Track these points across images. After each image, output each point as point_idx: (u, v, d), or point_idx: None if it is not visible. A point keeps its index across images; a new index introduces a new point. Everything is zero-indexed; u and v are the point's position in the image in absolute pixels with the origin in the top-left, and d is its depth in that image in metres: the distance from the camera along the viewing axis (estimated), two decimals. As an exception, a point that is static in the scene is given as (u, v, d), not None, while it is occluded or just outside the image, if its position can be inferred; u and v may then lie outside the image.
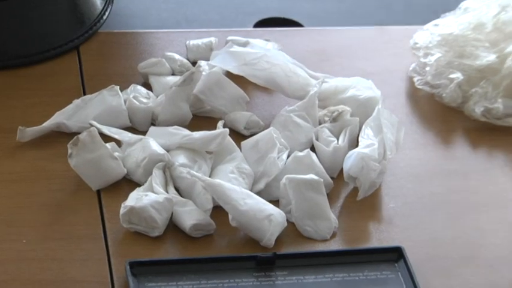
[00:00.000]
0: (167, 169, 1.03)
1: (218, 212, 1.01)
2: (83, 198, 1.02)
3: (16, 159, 1.06)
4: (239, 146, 1.05)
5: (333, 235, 1.01)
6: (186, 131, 1.06)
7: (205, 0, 1.21)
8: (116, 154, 1.03)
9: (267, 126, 1.06)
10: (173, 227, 1.01)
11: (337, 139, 1.06)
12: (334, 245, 1.01)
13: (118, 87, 1.08)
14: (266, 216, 0.99)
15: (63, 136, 1.03)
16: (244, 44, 1.12)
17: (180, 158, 1.03)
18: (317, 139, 1.06)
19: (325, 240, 1.01)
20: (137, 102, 1.08)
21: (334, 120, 1.07)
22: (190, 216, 0.99)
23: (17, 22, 1.09)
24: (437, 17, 1.13)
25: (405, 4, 1.17)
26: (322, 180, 1.02)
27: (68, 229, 1.01)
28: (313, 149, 1.05)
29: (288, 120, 1.05)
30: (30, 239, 1.00)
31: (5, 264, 0.97)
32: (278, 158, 1.04)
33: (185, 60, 1.12)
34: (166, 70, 1.12)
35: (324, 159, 1.04)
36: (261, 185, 1.02)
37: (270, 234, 0.99)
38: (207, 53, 1.13)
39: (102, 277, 0.96)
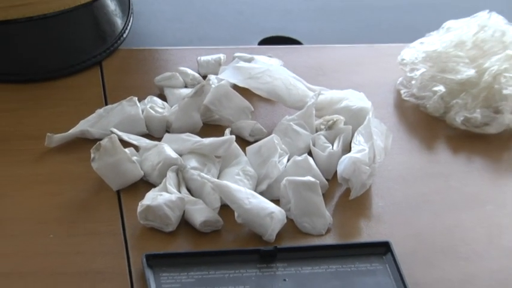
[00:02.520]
0: (180, 172, 1.04)
1: (225, 210, 1.02)
2: (104, 198, 1.04)
3: (44, 163, 1.07)
4: (244, 151, 1.06)
5: (328, 231, 1.02)
6: (196, 138, 1.07)
7: (214, 21, 1.21)
8: (134, 158, 1.05)
9: (269, 133, 1.07)
10: (185, 223, 1.02)
11: (332, 145, 1.07)
12: (329, 240, 1.02)
13: (136, 98, 1.09)
14: (268, 214, 1.00)
15: (86, 142, 1.04)
16: (249, 60, 1.14)
17: (192, 162, 1.04)
18: (314, 145, 1.08)
19: (320, 235, 1.02)
20: (153, 112, 1.09)
21: (329, 128, 1.08)
22: (200, 213, 1.01)
23: (47, 40, 1.11)
24: (422, 35, 1.13)
25: (393, 24, 1.18)
26: (318, 181, 1.03)
27: (90, 226, 1.02)
28: (310, 153, 1.06)
29: (288, 128, 1.07)
30: (57, 234, 1.01)
31: (34, 257, 0.98)
32: (279, 161, 1.05)
33: (197, 75, 1.13)
34: (179, 83, 1.13)
35: (320, 163, 1.05)
36: (263, 186, 1.04)
37: (271, 230, 1.00)
38: (216, 67, 1.15)
39: (121, 269, 0.97)
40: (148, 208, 1.00)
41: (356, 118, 1.09)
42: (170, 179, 1.03)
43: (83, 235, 1.01)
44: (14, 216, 1.02)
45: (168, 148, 1.05)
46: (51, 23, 1.13)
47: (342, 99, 1.11)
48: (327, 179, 1.06)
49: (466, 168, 1.08)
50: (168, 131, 1.10)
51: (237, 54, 1.16)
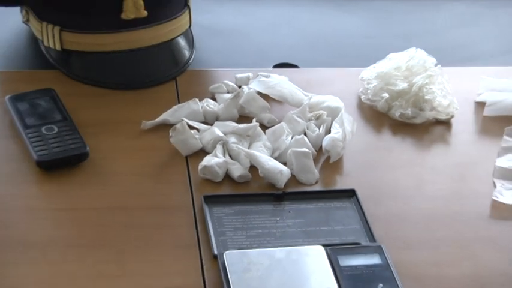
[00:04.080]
0: (224, 145, 1.03)
1: (253, 168, 1.01)
2: (177, 160, 1.03)
3: (140, 139, 1.06)
4: (264, 132, 1.05)
5: (316, 182, 1.01)
6: (234, 124, 1.06)
7: (245, 53, 1.22)
8: (196, 136, 1.04)
9: (279, 122, 1.06)
10: (227, 176, 1.01)
11: (318, 129, 1.05)
12: (317, 187, 1.01)
13: (197, 99, 1.09)
14: (279, 171, 1.00)
15: (166, 126, 1.03)
16: (267, 77, 1.13)
17: (232, 139, 1.03)
18: (307, 129, 1.06)
19: (311, 185, 1.01)
20: (208, 108, 1.08)
21: (316, 119, 1.08)
22: (237, 170, 1.00)
23: (143, 63, 1.10)
24: (374, 62, 1.11)
25: (357, 55, 1.16)
26: (310, 151, 1.02)
27: (169, 177, 1.01)
28: (305, 134, 1.04)
29: (291, 118, 1.06)
30: (148, 182, 1.00)
31: (134, 196, 0.98)
32: (286, 139, 1.04)
33: (235, 85, 1.12)
34: (224, 90, 1.13)
35: (311, 140, 1.04)
36: (276, 154, 1.03)
37: (281, 181, 1.00)
38: (246, 81, 1.14)
39: (188, 204, 0.97)
40: (205, 167, 0.99)
41: (333, 113, 1.08)
42: (218, 149, 1.02)
43: (164, 183, 1.00)
44: (121, 171, 1.01)
45: (217, 130, 1.04)
46: (145, 53, 1.13)
47: (325, 101, 1.10)
48: (316, 150, 1.04)
49: (401, 144, 1.07)
50: (217, 120, 1.08)
51: (259, 73, 1.15)
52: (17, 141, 1.02)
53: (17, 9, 1.20)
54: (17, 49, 1.19)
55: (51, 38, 1.13)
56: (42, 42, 1.15)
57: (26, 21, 1.19)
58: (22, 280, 0.84)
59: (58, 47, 1.13)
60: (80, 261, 0.87)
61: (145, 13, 1.12)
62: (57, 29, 1.12)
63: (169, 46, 1.16)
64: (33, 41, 1.19)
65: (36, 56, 1.16)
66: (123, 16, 1.11)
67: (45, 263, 0.87)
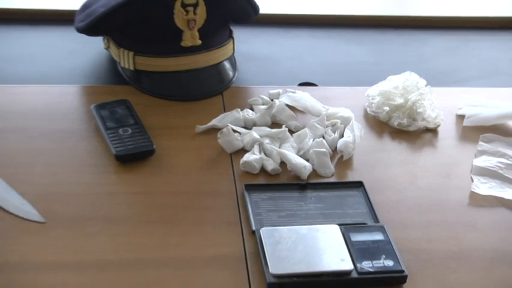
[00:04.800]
0: (260, 145, 1.02)
1: (282, 164, 1.00)
2: (223, 157, 1.02)
3: (195, 140, 1.06)
4: (292, 135, 1.04)
5: (332, 175, 1.00)
6: (268, 129, 1.06)
7: (276, 73, 1.23)
8: (238, 138, 1.03)
9: (303, 127, 1.05)
10: (263, 169, 1.00)
11: (334, 134, 1.05)
12: (332, 179, 1.00)
13: (239, 109, 1.08)
14: (303, 166, 0.99)
15: (215, 130, 1.03)
16: (294, 92, 1.13)
17: (266, 140, 1.03)
18: (325, 133, 1.06)
19: (328, 177, 1.00)
20: (247, 116, 1.08)
21: (332, 126, 1.07)
22: (271, 165, 0.99)
23: (195, 81, 1.11)
24: (377, 82, 1.13)
25: (363, 76, 1.15)
26: (327, 151, 1.01)
27: (217, 170, 1.01)
28: (323, 138, 1.03)
29: (313, 125, 1.05)
30: (199, 173, 0.99)
31: (189, 184, 0.98)
32: (308, 141, 1.03)
33: (268, 99, 1.12)
34: (260, 102, 1.12)
35: (328, 143, 1.03)
36: (301, 153, 1.02)
37: (304, 174, 0.99)
38: (277, 96, 1.13)
39: (232, 191, 0.96)
40: (245, 162, 0.99)
41: (345, 121, 1.07)
42: (255, 148, 1.01)
43: (213, 174, 1.00)
44: (180, 164, 1.00)
45: (255, 133, 1.03)
46: (199, 73, 1.14)
47: (338, 112, 1.10)
48: (332, 150, 1.03)
49: (398, 147, 1.07)
50: (254, 125, 1.07)
51: (287, 89, 1.14)
52: (100, 140, 1.02)
53: (100, 38, 1.21)
54: (100, 69, 1.19)
55: (126, 60, 1.13)
56: (119, 63, 1.15)
57: (107, 48, 1.19)
58: (102, 247, 0.84)
59: (132, 68, 1.13)
60: (148, 234, 0.87)
61: (199, 42, 1.11)
62: (131, 53, 1.12)
63: (218, 68, 1.15)
64: (112, 63, 1.18)
65: (114, 74, 1.16)
66: (183, 44, 1.11)
67: (121, 235, 0.87)
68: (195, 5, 1.09)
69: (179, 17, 1.09)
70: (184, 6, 1.08)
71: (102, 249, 0.84)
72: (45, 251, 0.83)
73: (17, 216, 0.88)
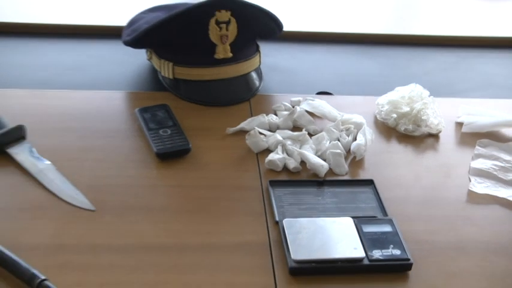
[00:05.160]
0: (283, 146, 1.02)
1: (302, 163, 1.00)
2: (250, 155, 1.02)
3: (225, 140, 1.06)
4: (311, 138, 1.04)
5: (346, 173, 0.99)
6: (290, 132, 1.05)
7: (296, 84, 1.23)
8: (264, 139, 1.03)
9: (321, 131, 1.05)
10: (285, 167, 0.99)
11: (348, 137, 1.05)
12: (346, 177, 0.99)
13: (264, 114, 1.08)
14: (321, 165, 0.99)
15: (243, 132, 1.03)
16: (312, 100, 1.13)
17: (288, 142, 1.02)
18: (340, 137, 1.05)
19: (343, 175, 0.99)
20: (272, 120, 1.08)
21: (346, 130, 1.07)
22: (292, 164, 0.99)
23: (226, 88, 1.12)
24: (386, 92, 1.12)
25: (373, 86, 1.15)
26: (342, 152, 1.01)
27: (244, 167, 1.00)
28: (338, 140, 1.03)
29: (329, 129, 1.05)
30: (229, 168, 0.99)
31: (220, 179, 0.98)
32: (325, 143, 1.03)
33: (290, 106, 1.11)
34: (282, 109, 1.11)
35: (343, 145, 1.03)
36: (318, 153, 1.01)
37: (322, 172, 0.98)
38: (298, 103, 1.13)
39: (258, 186, 0.96)
40: (270, 161, 0.98)
41: (358, 126, 1.07)
42: (279, 149, 1.01)
43: (242, 171, 0.99)
44: (212, 161, 1.00)
45: (278, 135, 1.03)
46: (230, 82, 1.13)
47: (352, 118, 1.09)
48: (346, 152, 1.03)
49: (405, 149, 1.06)
50: (278, 129, 1.07)
51: (307, 97, 1.14)
52: (142, 139, 1.02)
53: (143, 50, 1.21)
54: (143, 77, 1.20)
55: (166, 70, 1.13)
56: (160, 72, 1.15)
57: (149, 59, 1.19)
58: (145, 233, 0.85)
59: (171, 76, 1.13)
60: (184, 222, 0.87)
61: (230, 55, 1.11)
62: (171, 64, 1.12)
63: (246, 78, 1.15)
64: (154, 72, 1.18)
65: (155, 82, 1.16)
66: (216, 56, 1.11)
67: (161, 222, 0.87)
68: (228, 23, 1.09)
69: (213, 33, 1.09)
70: (218, 23, 1.08)
71: (145, 235, 0.85)
72: (95, 235, 0.84)
73: (72, 204, 0.89)
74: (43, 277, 0.75)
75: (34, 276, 0.75)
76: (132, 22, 1.22)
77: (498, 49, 1.41)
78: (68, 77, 1.20)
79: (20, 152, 0.96)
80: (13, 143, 0.97)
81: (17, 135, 0.98)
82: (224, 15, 1.08)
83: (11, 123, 1.00)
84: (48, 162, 0.95)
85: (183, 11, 1.07)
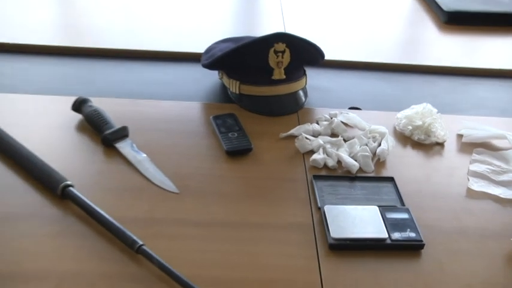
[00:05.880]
0: (324, 148, 1.01)
1: (339, 162, 0.99)
2: (298, 155, 1.01)
3: (279, 142, 1.04)
4: (345, 143, 1.03)
5: (372, 171, 0.98)
6: (329, 138, 1.04)
7: (333, 100, 1.20)
8: (309, 142, 1.01)
9: (353, 138, 1.04)
10: (325, 165, 0.98)
11: (374, 143, 1.03)
12: (372, 174, 0.97)
13: (309, 123, 1.07)
14: (353, 164, 0.97)
15: (293, 137, 1.03)
16: (346, 113, 1.12)
17: (328, 145, 1.01)
18: (368, 143, 1.03)
19: (370, 173, 0.98)
20: (315, 128, 1.07)
21: (373, 137, 1.04)
22: (331, 162, 0.98)
23: (280, 103, 1.10)
24: (403, 109, 1.09)
25: (393, 105, 1.12)
26: (369, 155, 1.00)
27: (294, 163, 0.99)
28: (367, 145, 1.01)
29: (360, 137, 1.04)
30: (281, 164, 0.98)
31: (271, 171, 0.96)
32: (357, 147, 1.02)
33: (329, 117, 1.10)
34: (323, 119, 1.10)
35: (370, 149, 1.01)
36: (351, 155, 1.00)
37: (354, 170, 0.97)
38: (335, 115, 1.11)
39: (304, 179, 0.95)
40: (313, 160, 0.97)
41: (382, 135, 1.05)
42: (320, 150, 1.00)
43: (291, 167, 0.98)
44: (269, 159, 0.99)
45: (320, 140, 1.02)
46: (283, 98, 1.12)
47: (377, 128, 1.07)
48: (373, 154, 1.01)
49: (417, 154, 1.03)
50: (319, 135, 1.06)
51: (342, 111, 1.12)
52: (215, 140, 1.02)
53: (216, 72, 1.21)
54: (215, 92, 1.19)
55: (234, 87, 1.12)
56: (229, 89, 1.15)
57: (221, 78, 1.19)
58: (217, 212, 0.85)
59: (237, 92, 1.12)
60: (247, 205, 0.87)
61: (284, 77, 1.10)
62: (237, 83, 1.12)
63: (295, 95, 1.13)
64: (224, 88, 1.18)
65: (225, 96, 1.16)
66: (273, 78, 1.10)
67: (229, 204, 0.87)
68: (283, 52, 1.08)
69: (272, 60, 1.08)
70: (275, 52, 1.07)
71: (217, 213, 0.85)
72: (179, 212, 0.84)
73: (162, 188, 0.89)
74: (141, 242, 0.76)
75: (135, 241, 0.76)
76: (208, 50, 1.22)
77: (489, 78, 1.39)
78: (157, 91, 1.21)
79: (124, 147, 0.97)
80: (119, 140, 0.98)
81: (122, 133, 1.00)
82: (280, 46, 1.07)
83: (117, 125, 1.01)
84: (145, 155, 0.96)
85: (249, 43, 1.07)
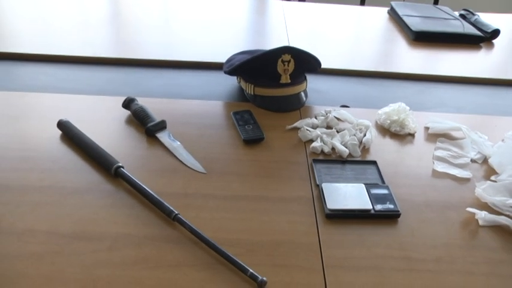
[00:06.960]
0: (321, 138, 0.99)
1: (333, 149, 0.96)
2: (301, 143, 0.98)
3: (285, 133, 1.01)
4: (338, 134, 0.98)
5: (359, 156, 0.95)
6: (325, 129, 1.01)
7: (328, 100, 1.16)
8: (309, 133, 0.99)
9: (344, 130, 1.01)
10: (322, 151, 0.96)
11: (360, 134, 1.00)
12: (359, 159, 0.95)
13: (309, 118, 1.04)
14: (344, 151, 0.95)
15: (296, 129, 1.01)
16: (338, 110, 1.08)
17: (324, 135, 0.98)
18: (355, 133, 1.00)
19: (357, 157, 0.95)
20: (314, 121, 1.04)
21: (360, 129, 1.02)
22: (326, 149, 0.95)
23: (286, 102, 1.06)
24: (382, 107, 1.04)
25: (375, 103, 1.09)
26: (357, 143, 0.97)
27: (297, 150, 0.96)
28: (355, 135, 0.97)
29: (349, 129, 1.01)
30: (287, 150, 0.95)
31: (279, 156, 0.94)
32: (347, 137, 0.99)
33: (324, 113, 1.07)
34: (320, 115, 1.07)
35: (357, 138, 0.99)
36: (343, 143, 0.98)
37: (344, 155, 0.94)
38: (329, 111, 1.08)
39: (305, 162, 0.93)
40: (313, 146, 0.94)
41: (367, 127, 1.02)
42: (318, 139, 0.98)
43: (296, 152, 0.96)
44: (277, 146, 0.97)
45: (318, 131, 0.99)
46: (288, 97, 1.09)
47: (363, 122, 1.04)
48: (360, 142, 0.98)
49: (394, 142, 1.01)
50: (318, 127, 1.03)
51: (334, 108, 1.09)
52: (235, 131, 1.00)
53: (235, 77, 1.18)
54: (234, 93, 1.17)
55: (249, 89, 1.10)
56: (245, 90, 1.12)
57: (239, 82, 1.16)
58: (237, 188, 0.83)
59: (252, 93, 1.10)
60: (260, 182, 0.85)
61: (289, 81, 1.07)
62: (252, 85, 1.09)
63: (298, 95, 1.10)
64: (241, 90, 1.16)
65: (242, 96, 1.13)
66: (281, 82, 1.07)
67: (246, 182, 0.85)
68: (289, 62, 1.06)
69: (280, 68, 1.06)
70: (283, 61, 1.05)
71: (236, 189, 0.83)
72: (206, 188, 0.83)
73: (192, 169, 0.88)
74: (176, 212, 0.75)
75: (171, 211, 0.75)
76: (228, 60, 1.19)
77: (448, 83, 1.36)
78: (188, 92, 1.18)
79: (163, 136, 0.95)
80: (159, 130, 0.97)
81: (162, 125, 0.98)
82: (287, 57, 1.05)
83: (157, 119, 0.99)
84: (179, 143, 0.94)
85: (262, 54, 1.05)
